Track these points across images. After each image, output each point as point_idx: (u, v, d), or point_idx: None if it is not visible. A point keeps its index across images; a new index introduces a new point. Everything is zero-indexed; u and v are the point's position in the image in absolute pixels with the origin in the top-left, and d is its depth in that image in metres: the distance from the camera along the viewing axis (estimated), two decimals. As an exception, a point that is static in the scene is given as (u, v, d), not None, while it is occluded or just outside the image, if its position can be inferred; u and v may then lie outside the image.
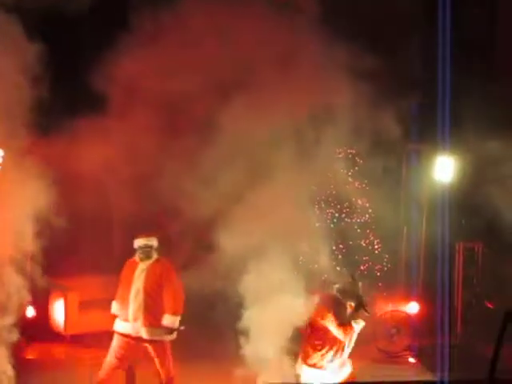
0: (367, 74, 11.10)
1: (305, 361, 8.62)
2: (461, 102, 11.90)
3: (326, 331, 8.44)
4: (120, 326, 9.33)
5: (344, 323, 8.43)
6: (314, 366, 8.55)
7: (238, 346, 8.93)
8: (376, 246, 12.91)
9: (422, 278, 12.26)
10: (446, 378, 9.55)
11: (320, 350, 8.46)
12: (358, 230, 12.85)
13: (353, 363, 10.04)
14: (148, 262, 9.22)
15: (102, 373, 9.29)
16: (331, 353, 8.45)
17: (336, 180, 12.46)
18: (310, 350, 8.54)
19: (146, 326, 9.15)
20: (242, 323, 8.93)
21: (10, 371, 8.78)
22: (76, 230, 10.52)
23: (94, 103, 10.15)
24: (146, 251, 9.19)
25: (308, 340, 8.61)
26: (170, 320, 9.17)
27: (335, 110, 10.19)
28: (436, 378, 9.86)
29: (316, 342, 8.50)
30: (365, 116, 11.84)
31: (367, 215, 12.93)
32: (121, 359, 9.32)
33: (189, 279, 9.62)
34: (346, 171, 12.63)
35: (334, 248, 12.24)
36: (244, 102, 9.53)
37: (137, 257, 9.29)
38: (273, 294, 8.82)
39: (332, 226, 12.79)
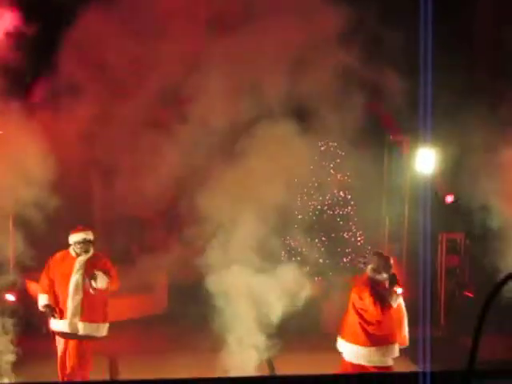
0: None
1: (346, 337, 8.97)
2: (443, 94, 11.81)
3: (365, 310, 8.74)
4: (56, 325, 9.15)
5: (381, 301, 8.70)
6: (354, 342, 8.88)
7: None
8: (359, 238, 13.01)
9: (405, 269, 12.19)
10: (428, 370, 9.53)
11: (362, 328, 8.76)
12: (341, 223, 12.94)
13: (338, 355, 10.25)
14: (86, 257, 9.08)
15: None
16: (369, 330, 8.74)
17: (318, 172, 12.76)
18: (352, 327, 8.89)
19: (84, 321, 8.99)
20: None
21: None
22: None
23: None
24: (85, 246, 9.03)
25: (345, 318, 8.95)
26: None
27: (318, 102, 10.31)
28: (418, 369, 9.64)
29: (359, 321, 8.80)
30: (347, 108, 12.10)
31: (349, 207, 13.05)
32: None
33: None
34: (328, 163, 13.10)
35: (316, 240, 12.81)
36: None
37: (72, 251, 9.10)
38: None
39: (314, 218, 12.95)
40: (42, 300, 9.06)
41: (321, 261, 12.64)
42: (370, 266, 8.94)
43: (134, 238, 13.25)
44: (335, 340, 10.72)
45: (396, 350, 8.93)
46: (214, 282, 9.15)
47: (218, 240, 9.21)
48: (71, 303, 8.91)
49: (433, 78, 10.98)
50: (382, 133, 12.48)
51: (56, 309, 8.96)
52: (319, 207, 12.96)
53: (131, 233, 13.12)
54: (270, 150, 9.68)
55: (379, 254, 9.14)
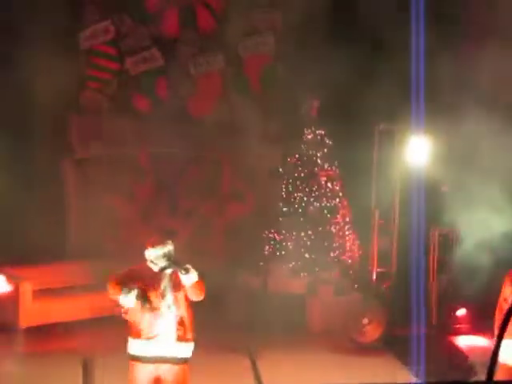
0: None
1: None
2: (435, 80, 11.90)
3: None
4: (145, 348, 7.50)
5: None
6: None
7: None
8: (347, 232, 12.86)
9: (396, 265, 11.99)
10: (422, 372, 9.61)
11: None
12: (328, 215, 12.77)
13: (324, 355, 10.76)
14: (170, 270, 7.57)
15: None
16: None
17: (304, 161, 12.89)
18: None
19: (179, 341, 7.50)
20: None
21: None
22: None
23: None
24: (168, 258, 7.45)
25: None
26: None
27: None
28: (410, 372, 9.90)
29: None
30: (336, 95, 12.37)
31: (337, 199, 12.90)
32: None
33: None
34: (314, 152, 12.95)
35: (302, 234, 12.62)
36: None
37: (155, 267, 7.47)
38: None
39: (300, 210, 12.81)
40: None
41: (307, 256, 12.55)
42: None
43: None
44: (321, 340, 11.36)
45: None
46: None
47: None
48: (164, 322, 7.44)
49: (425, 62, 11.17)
50: (373, 121, 12.10)
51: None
52: (305, 199, 12.80)
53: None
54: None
55: None
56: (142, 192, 14.04)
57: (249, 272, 12.67)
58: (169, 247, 7.32)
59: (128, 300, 7.22)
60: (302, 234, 12.61)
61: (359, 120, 12.47)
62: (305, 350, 11.01)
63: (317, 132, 12.97)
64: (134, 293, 7.18)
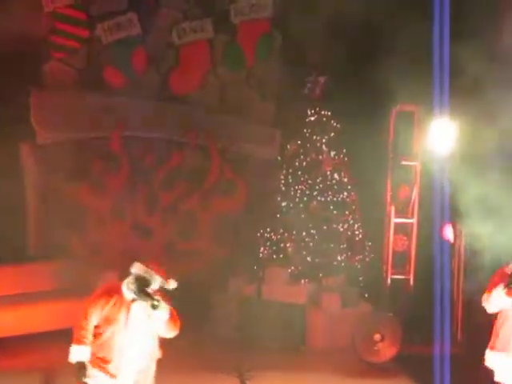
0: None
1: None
2: (462, 54, 11.44)
3: None
4: None
5: None
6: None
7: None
8: (356, 232, 12.74)
9: (413, 270, 11.96)
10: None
11: None
12: (335, 212, 12.61)
13: (328, 378, 10.66)
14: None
15: None
16: None
17: (306, 148, 12.78)
18: None
19: None
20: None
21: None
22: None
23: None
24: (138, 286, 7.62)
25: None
26: None
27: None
28: None
29: None
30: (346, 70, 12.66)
31: (345, 193, 12.73)
32: None
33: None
34: (319, 138, 12.77)
35: (303, 234, 12.43)
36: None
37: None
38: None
39: (301, 205, 12.61)
40: None
41: (309, 259, 12.40)
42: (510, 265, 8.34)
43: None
44: (324, 359, 11.31)
45: None
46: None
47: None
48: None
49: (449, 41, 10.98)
50: (388, 101, 11.91)
51: None
52: (307, 192, 12.63)
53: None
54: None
55: None
56: (114, 183, 13.82)
57: (241, 278, 12.63)
58: (136, 270, 7.21)
59: None
60: (304, 233, 12.47)
61: (372, 100, 12.34)
62: (305, 370, 10.93)
63: (322, 113, 12.80)
64: None
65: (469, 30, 11.99)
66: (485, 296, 8.01)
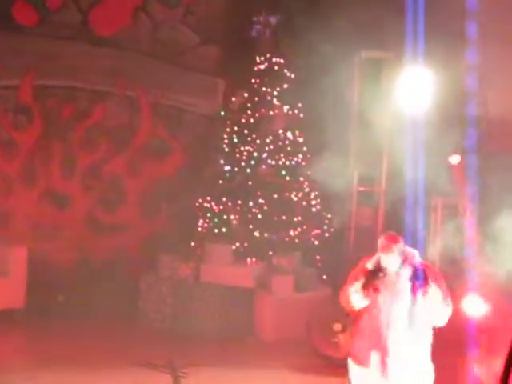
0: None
1: None
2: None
3: None
4: None
5: None
6: None
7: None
8: (313, 202, 12.60)
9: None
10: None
11: None
12: (287, 178, 12.52)
13: (279, 374, 10.62)
14: None
15: None
16: None
17: (255, 102, 12.72)
18: None
19: None
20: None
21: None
22: None
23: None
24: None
25: None
26: None
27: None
28: None
29: None
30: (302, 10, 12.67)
31: (300, 155, 12.62)
32: None
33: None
34: (270, 89, 12.67)
35: (250, 204, 12.37)
36: None
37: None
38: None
39: (248, 170, 12.52)
40: None
41: (256, 234, 12.31)
42: None
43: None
44: (275, 352, 11.34)
45: None
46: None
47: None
48: None
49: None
50: (351, 47, 11.92)
51: None
52: (255, 155, 12.51)
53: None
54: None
55: None
56: (24, 141, 13.66)
57: (175, 256, 12.46)
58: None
59: None
60: (251, 203, 12.37)
61: (333, 45, 11.95)
62: (251, 366, 10.75)
63: (273, 61, 12.68)
64: None
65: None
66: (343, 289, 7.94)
